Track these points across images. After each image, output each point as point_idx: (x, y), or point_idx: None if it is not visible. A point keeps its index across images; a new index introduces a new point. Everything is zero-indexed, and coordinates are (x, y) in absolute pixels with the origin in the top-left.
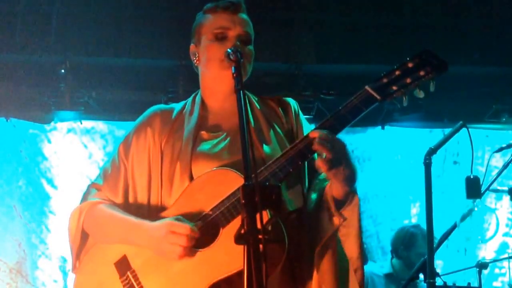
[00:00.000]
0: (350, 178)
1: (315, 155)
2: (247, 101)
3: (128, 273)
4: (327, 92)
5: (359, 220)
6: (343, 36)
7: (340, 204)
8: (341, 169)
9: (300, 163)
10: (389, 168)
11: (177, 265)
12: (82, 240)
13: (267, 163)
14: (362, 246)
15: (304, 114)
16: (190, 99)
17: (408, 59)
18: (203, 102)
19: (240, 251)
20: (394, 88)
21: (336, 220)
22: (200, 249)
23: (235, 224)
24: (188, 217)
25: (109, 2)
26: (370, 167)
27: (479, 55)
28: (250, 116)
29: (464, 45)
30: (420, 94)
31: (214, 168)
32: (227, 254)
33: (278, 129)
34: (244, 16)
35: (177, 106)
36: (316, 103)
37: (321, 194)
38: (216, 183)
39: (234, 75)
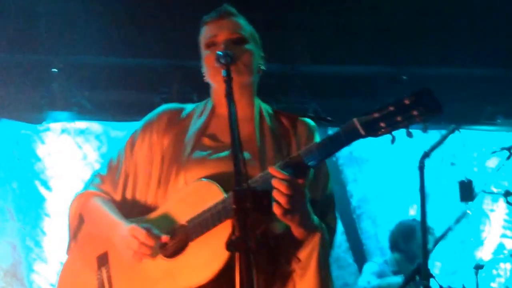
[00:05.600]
0: (304, 222)
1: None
2: (257, 106)
3: (103, 268)
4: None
5: (318, 261)
6: (338, 37)
7: (299, 244)
8: (296, 217)
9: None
10: (388, 170)
11: (146, 270)
12: (78, 224)
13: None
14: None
15: None
16: (203, 102)
17: (405, 96)
18: (213, 109)
19: (203, 267)
20: (382, 125)
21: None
22: (168, 258)
23: (204, 238)
24: (166, 224)
25: (103, 0)
26: (369, 169)
27: (474, 57)
28: (257, 133)
29: (459, 47)
30: (410, 136)
31: (199, 180)
32: (190, 268)
33: (284, 149)
34: (233, 19)
35: (188, 107)
36: (312, 104)
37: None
38: (199, 195)
39: (225, 78)
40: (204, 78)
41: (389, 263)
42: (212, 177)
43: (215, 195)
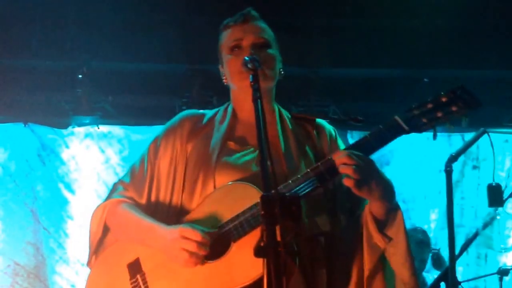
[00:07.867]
0: (386, 194)
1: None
2: (277, 111)
3: (138, 275)
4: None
5: (406, 236)
6: (358, 40)
7: (383, 223)
8: (373, 187)
9: (319, 185)
10: (408, 173)
11: (187, 274)
12: (102, 236)
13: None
14: (413, 263)
15: None
16: (222, 108)
17: (442, 93)
18: (234, 113)
19: (248, 265)
20: (424, 120)
21: (380, 243)
22: (210, 261)
23: (247, 239)
24: (204, 226)
25: (125, 7)
26: (389, 172)
27: (498, 58)
28: (281, 137)
29: (483, 49)
30: (451, 128)
31: (234, 182)
32: (235, 268)
33: (309, 152)
34: (257, 23)
35: (209, 113)
36: (331, 107)
37: (359, 219)
38: (235, 196)
39: (252, 83)
40: (224, 81)
41: None
42: (244, 180)
43: (253, 195)
